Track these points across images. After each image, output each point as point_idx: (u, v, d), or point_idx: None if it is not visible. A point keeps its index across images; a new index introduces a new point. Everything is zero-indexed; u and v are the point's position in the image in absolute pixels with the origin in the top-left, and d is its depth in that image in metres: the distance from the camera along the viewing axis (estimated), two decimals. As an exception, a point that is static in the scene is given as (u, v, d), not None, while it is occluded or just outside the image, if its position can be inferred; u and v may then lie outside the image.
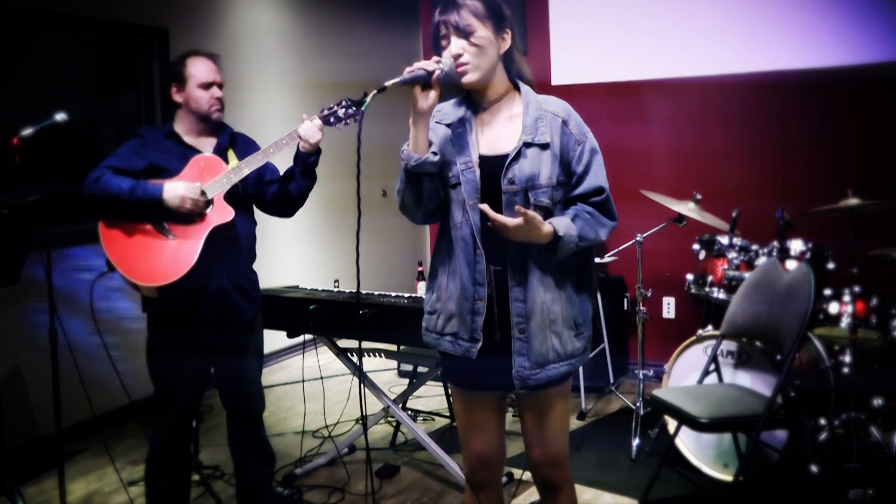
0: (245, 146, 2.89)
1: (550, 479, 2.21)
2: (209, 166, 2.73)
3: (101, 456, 3.80)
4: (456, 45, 1.99)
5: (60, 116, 2.70)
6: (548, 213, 2.03)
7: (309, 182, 2.84)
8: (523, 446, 2.25)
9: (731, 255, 3.79)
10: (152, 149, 2.73)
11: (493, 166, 2.03)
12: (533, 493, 3.33)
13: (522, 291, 2.03)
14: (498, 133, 2.07)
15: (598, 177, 2.07)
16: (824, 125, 4.51)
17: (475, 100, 2.10)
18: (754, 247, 3.78)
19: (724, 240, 3.84)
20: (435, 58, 1.98)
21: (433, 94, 1.96)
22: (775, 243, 3.70)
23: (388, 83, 1.93)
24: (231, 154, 2.82)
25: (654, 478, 3.23)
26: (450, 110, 2.12)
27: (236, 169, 2.72)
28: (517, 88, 2.10)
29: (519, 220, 1.91)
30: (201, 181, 2.69)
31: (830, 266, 3.68)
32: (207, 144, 2.82)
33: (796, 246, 3.69)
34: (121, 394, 3.02)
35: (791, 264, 3.47)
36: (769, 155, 4.66)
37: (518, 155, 2.02)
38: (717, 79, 4.74)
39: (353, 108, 2.81)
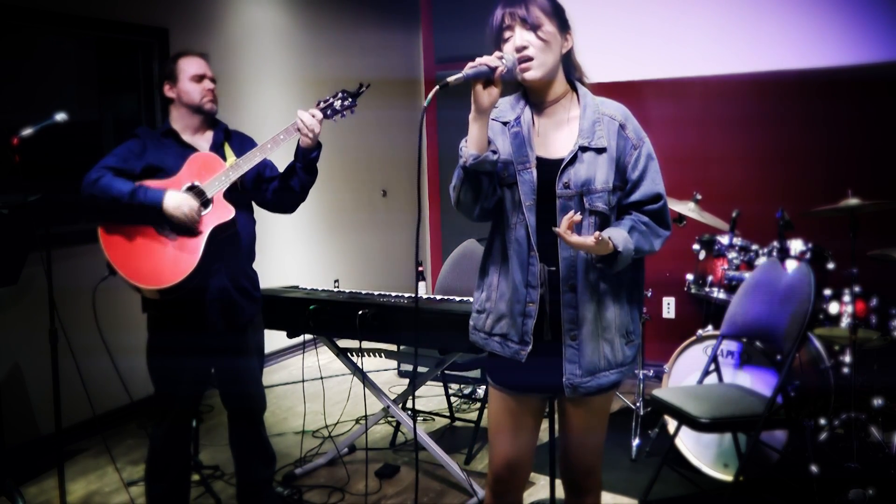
0: (241, 141, 2.89)
1: (581, 483, 2.22)
2: (207, 164, 2.72)
3: (101, 456, 3.80)
4: (521, 37, 1.96)
5: (60, 116, 2.70)
6: (603, 218, 2.00)
7: (311, 177, 2.84)
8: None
9: (731, 255, 3.79)
10: (150, 149, 2.73)
11: (550, 169, 2.00)
12: (534, 494, 3.33)
13: (574, 297, 2.00)
14: (555, 135, 2.04)
15: (655, 183, 2.03)
16: (824, 125, 4.51)
17: (533, 100, 2.07)
18: (754, 247, 3.78)
19: (724, 240, 3.84)
20: (497, 53, 1.93)
21: (495, 91, 1.91)
22: (775, 243, 3.70)
23: (451, 79, 1.89)
24: (228, 150, 2.82)
25: (654, 478, 3.23)
26: (506, 108, 2.08)
27: (234, 166, 2.71)
28: (575, 90, 2.07)
29: (591, 241, 1.87)
30: (200, 180, 2.69)
31: (830, 266, 3.68)
32: (204, 141, 2.82)
33: (796, 246, 3.69)
34: (121, 394, 3.02)
35: (791, 264, 3.47)
36: (769, 155, 4.66)
37: (574, 159, 1.99)
38: (717, 79, 4.74)
39: (350, 99, 2.80)
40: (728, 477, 3.31)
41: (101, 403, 3.49)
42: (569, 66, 2.06)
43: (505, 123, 2.06)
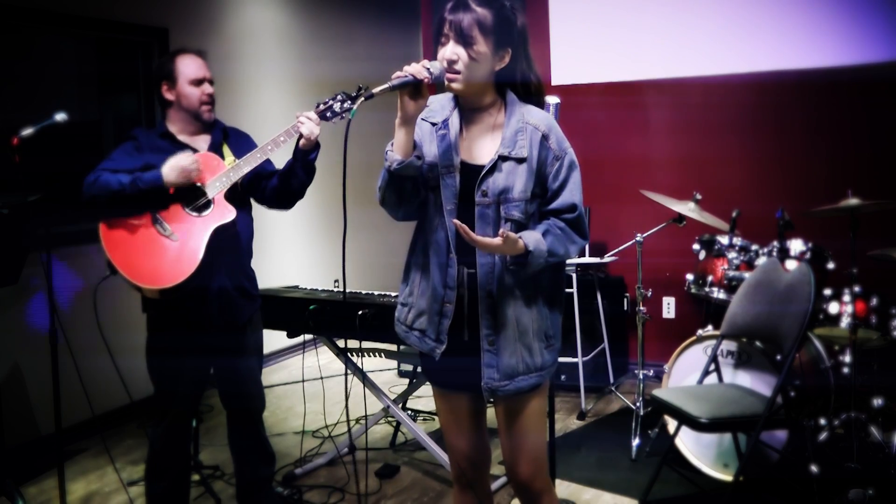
0: (238, 140, 2.89)
1: (530, 486, 2.18)
2: (207, 165, 2.72)
3: (101, 456, 3.80)
4: (452, 49, 1.97)
5: (60, 116, 2.70)
6: (520, 226, 2.03)
7: (309, 177, 2.84)
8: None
9: (731, 255, 3.79)
10: (147, 150, 2.73)
11: (472, 174, 2.03)
12: (533, 493, 3.33)
13: (492, 302, 2.04)
14: (480, 141, 2.07)
15: (572, 194, 2.06)
16: (824, 125, 4.51)
17: (462, 104, 2.09)
18: (754, 247, 3.78)
19: (724, 240, 3.84)
20: (424, 62, 1.95)
21: (422, 100, 1.96)
22: (775, 243, 3.70)
23: (377, 90, 1.91)
24: (226, 150, 2.82)
25: (654, 478, 3.23)
26: (437, 108, 2.10)
27: (236, 167, 2.72)
28: (504, 97, 2.09)
29: (497, 241, 1.91)
30: (200, 180, 2.69)
31: (830, 266, 3.68)
32: (202, 142, 2.82)
33: (796, 246, 3.68)
34: (120, 394, 3.02)
35: (791, 264, 3.47)
36: (769, 155, 4.66)
37: (493, 168, 2.02)
38: (717, 79, 4.74)
39: (349, 101, 2.80)
40: (728, 477, 3.31)
41: (100, 403, 3.49)
42: (504, 79, 2.05)
43: (434, 124, 2.08)
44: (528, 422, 2.14)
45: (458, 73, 1.98)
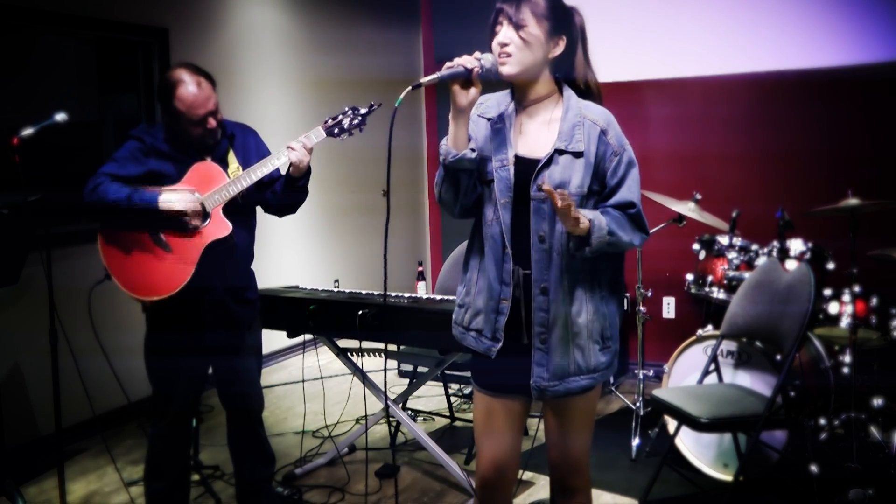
0: (245, 140, 2.85)
1: (567, 483, 2.21)
2: (209, 175, 2.69)
3: (101, 456, 3.80)
4: (505, 34, 1.98)
5: (60, 116, 2.70)
6: None
7: (301, 197, 2.84)
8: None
9: (731, 255, 3.79)
10: (152, 154, 2.70)
11: (527, 168, 2.01)
12: (534, 493, 3.33)
13: (546, 300, 2.01)
14: (536, 135, 2.05)
15: (630, 191, 2.03)
16: (824, 125, 4.51)
17: (517, 97, 2.08)
18: (754, 247, 3.78)
19: (724, 240, 3.85)
20: (476, 54, 1.95)
21: (473, 91, 1.95)
22: (775, 243, 3.70)
23: (424, 80, 1.91)
24: (231, 157, 2.79)
25: (654, 478, 3.23)
26: (493, 104, 2.10)
27: (236, 180, 2.68)
28: (561, 92, 2.08)
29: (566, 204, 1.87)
30: (200, 191, 2.67)
31: (830, 266, 3.68)
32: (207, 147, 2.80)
33: (796, 246, 3.69)
34: (120, 394, 3.02)
35: (791, 264, 3.47)
36: (769, 155, 4.66)
37: (549, 162, 1.99)
38: (717, 79, 4.74)
39: (359, 118, 2.76)
40: (728, 477, 3.31)
41: (100, 403, 3.48)
42: (559, 70, 2.06)
43: (489, 119, 2.08)
44: (575, 422, 2.14)
45: (509, 56, 1.97)
